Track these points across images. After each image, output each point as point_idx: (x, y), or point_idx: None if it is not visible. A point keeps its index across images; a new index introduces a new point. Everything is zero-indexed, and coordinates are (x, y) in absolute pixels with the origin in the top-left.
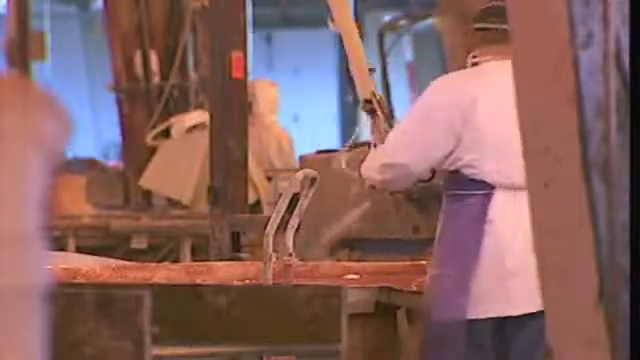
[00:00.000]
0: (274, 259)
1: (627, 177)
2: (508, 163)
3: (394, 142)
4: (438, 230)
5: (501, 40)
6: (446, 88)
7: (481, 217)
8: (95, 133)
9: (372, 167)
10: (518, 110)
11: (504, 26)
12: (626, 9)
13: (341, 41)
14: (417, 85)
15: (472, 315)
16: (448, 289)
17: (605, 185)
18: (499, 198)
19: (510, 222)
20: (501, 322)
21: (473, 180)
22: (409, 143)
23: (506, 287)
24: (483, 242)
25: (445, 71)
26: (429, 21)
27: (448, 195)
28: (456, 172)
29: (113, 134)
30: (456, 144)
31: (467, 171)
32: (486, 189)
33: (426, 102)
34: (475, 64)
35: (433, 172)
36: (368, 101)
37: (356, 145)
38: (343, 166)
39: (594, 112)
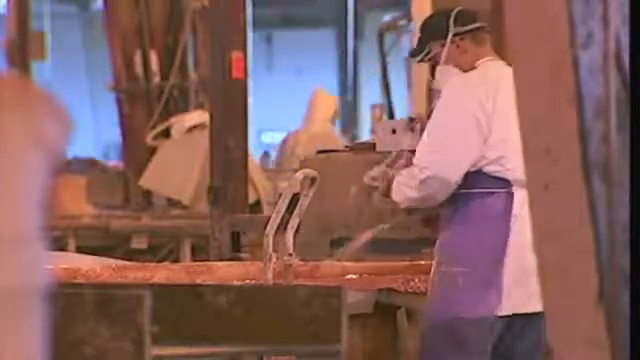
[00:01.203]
0: (274, 259)
1: (627, 177)
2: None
3: (429, 155)
4: (452, 228)
5: (486, 40)
6: (467, 90)
7: (506, 214)
8: (95, 133)
9: (409, 187)
10: (518, 110)
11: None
12: (626, 9)
13: (340, 41)
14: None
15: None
16: (473, 286)
17: (605, 185)
18: (520, 195)
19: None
20: (510, 319)
21: (494, 178)
22: (444, 152)
23: (526, 284)
24: (509, 239)
25: None
26: None
27: (465, 194)
28: (476, 171)
29: (113, 134)
30: (484, 143)
31: (490, 169)
32: (507, 187)
33: (449, 107)
34: (473, 68)
35: None
36: (412, 119)
37: (356, 145)
38: None
39: (594, 112)
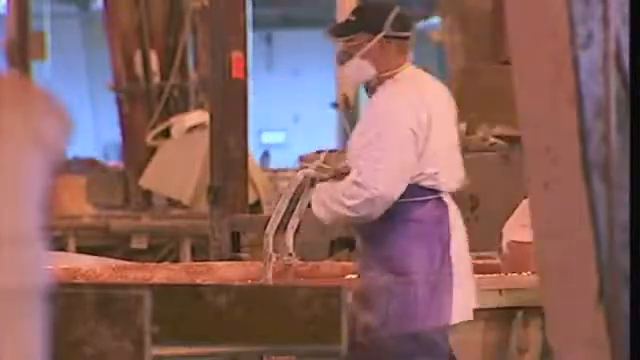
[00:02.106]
0: (274, 259)
1: (627, 177)
2: (452, 171)
3: (374, 173)
4: (392, 240)
5: (410, 49)
6: (402, 103)
7: (443, 220)
8: (95, 133)
9: (344, 206)
10: (519, 110)
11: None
12: (626, 9)
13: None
14: None
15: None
16: (426, 295)
17: (605, 185)
18: (446, 203)
19: (459, 227)
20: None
21: (427, 189)
22: (388, 170)
23: (461, 292)
24: (450, 246)
25: (444, 71)
26: (429, 21)
27: (400, 204)
28: (412, 184)
29: (113, 134)
30: (420, 158)
31: (424, 183)
32: (435, 194)
33: (388, 122)
34: (393, 74)
35: None
36: (336, 105)
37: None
38: None
39: (594, 112)
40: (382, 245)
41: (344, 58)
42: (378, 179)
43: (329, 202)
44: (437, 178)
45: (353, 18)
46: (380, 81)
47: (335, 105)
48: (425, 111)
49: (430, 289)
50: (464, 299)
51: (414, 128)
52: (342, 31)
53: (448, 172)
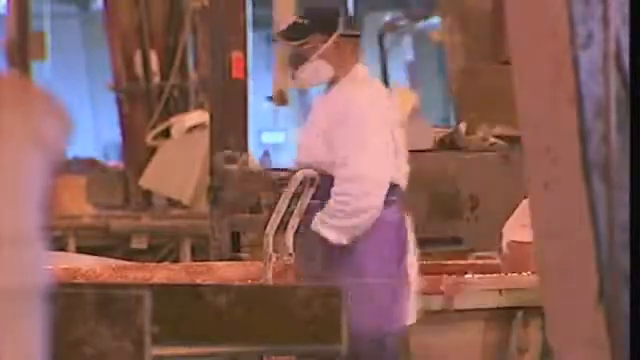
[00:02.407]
0: (274, 259)
1: (627, 177)
2: (403, 167)
3: (357, 164)
4: (360, 240)
5: (360, 48)
6: (369, 101)
7: (403, 224)
8: (95, 133)
9: (348, 215)
10: (519, 110)
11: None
12: (626, 9)
13: None
14: (417, 85)
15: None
16: (390, 298)
17: (605, 185)
18: (402, 206)
19: (410, 229)
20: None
21: (392, 185)
22: (371, 156)
23: (414, 294)
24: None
25: (444, 71)
26: (429, 21)
27: None
28: None
29: (113, 134)
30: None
31: (393, 175)
32: (396, 196)
33: (359, 117)
34: (347, 72)
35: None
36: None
37: None
38: None
39: (594, 112)
40: (352, 248)
41: (298, 61)
42: (364, 163)
43: (329, 220)
44: (400, 170)
45: (304, 21)
46: (335, 80)
47: (270, 98)
48: (387, 104)
49: (393, 292)
50: (414, 301)
51: (383, 115)
52: (295, 34)
53: (403, 167)
